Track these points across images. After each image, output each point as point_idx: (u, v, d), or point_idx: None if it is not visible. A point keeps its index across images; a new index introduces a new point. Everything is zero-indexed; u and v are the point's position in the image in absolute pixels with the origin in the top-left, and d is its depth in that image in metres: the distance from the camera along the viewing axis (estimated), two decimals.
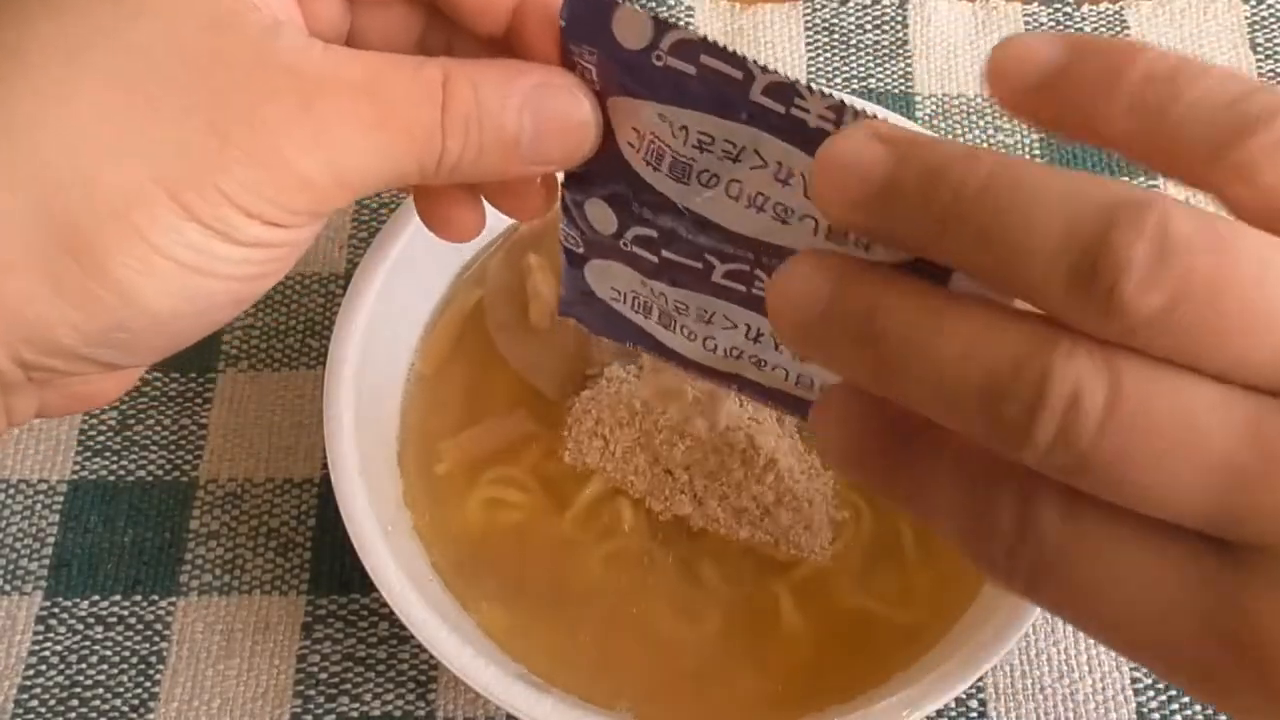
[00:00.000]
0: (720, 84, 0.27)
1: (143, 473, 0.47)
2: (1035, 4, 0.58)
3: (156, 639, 0.44)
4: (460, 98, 0.28)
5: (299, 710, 0.43)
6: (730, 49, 0.26)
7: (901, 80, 0.56)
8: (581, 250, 0.33)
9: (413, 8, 0.32)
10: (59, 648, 0.44)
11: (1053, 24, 0.57)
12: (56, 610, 0.45)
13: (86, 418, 0.48)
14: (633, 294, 0.34)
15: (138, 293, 0.26)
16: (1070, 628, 0.44)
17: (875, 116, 0.25)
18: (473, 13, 0.30)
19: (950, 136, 0.54)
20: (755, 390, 0.34)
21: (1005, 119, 0.55)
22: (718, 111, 0.27)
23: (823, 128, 0.26)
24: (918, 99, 0.55)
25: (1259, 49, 0.56)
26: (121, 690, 0.43)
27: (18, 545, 0.46)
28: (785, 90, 0.26)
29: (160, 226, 0.26)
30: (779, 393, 0.33)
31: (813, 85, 0.25)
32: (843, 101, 0.25)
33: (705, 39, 0.26)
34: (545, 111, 0.28)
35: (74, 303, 0.26)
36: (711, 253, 0.30)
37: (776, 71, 0.26)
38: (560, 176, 0.32)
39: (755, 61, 0.26)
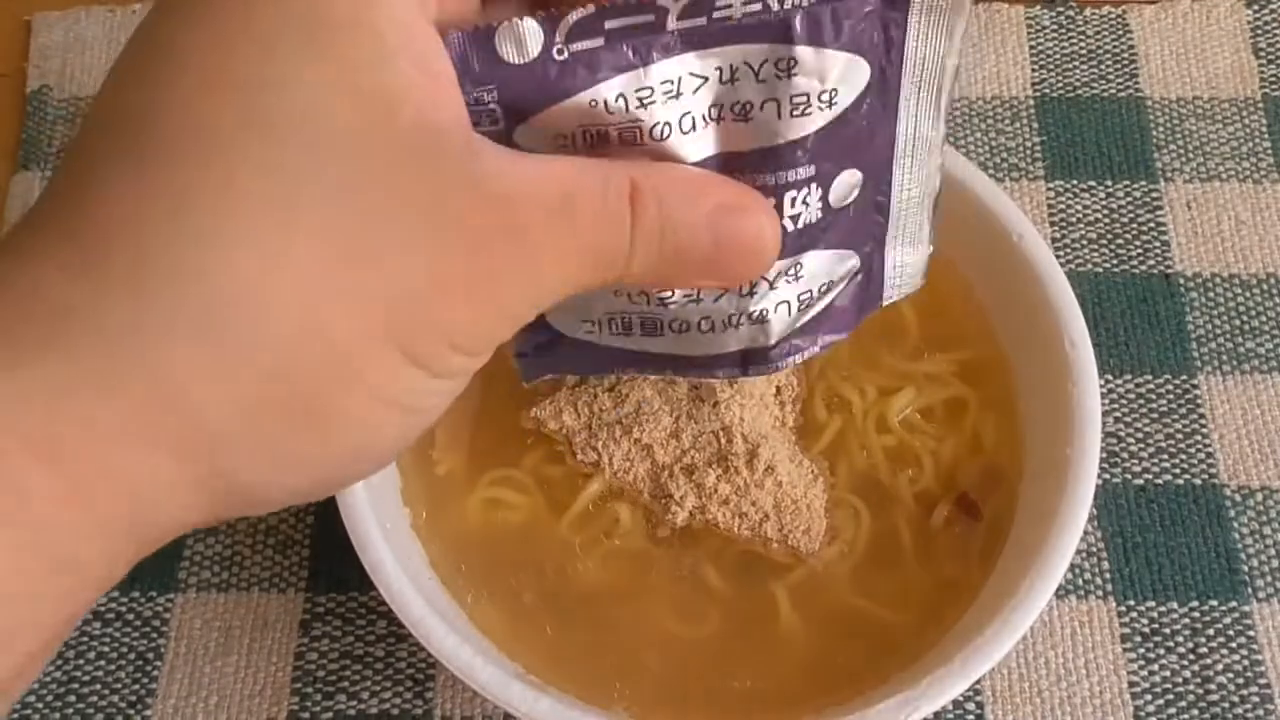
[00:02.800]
0: (636, 36, 0.26)
1: None
2: (1038, 7, 0.58)
3: (154, 635, 0.44)
4: (648, 217, 0.27)
5: (296, 708, 0.43)
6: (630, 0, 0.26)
7: None
8: None
9: None
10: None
11: (1055, 27, 0.57)
12: None
13: None
14: (608, 316, 0.33)
15: (366, 449, 0.26)
16: (1069, 632, 0.44)
17: None
18: None
19: (952, 139, 0.54)
20: (762, 357, 0.34)
21: (1007, 121, 0.55)
22: (643, 62, 0.27)
23: (750, 13, 0.26)
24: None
25: (1261, 54, 0.56)
26: (119, 686, 0.43)
27: None
28: (701, 3, 0.26)
29: (387, 376, 0.25)
30: (796, 331, 0.34)
31: None
32: None
33: (600, 6, 0.26)
34: (728, 234, 0.28)
35: (289, 470, 0.25)
36: None
37: None
38: None
39: None
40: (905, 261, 0.35)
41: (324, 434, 0.25)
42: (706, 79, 0.27)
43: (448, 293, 0.25)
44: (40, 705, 0.43)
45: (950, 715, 0.43)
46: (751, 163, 0.29)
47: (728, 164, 0.29)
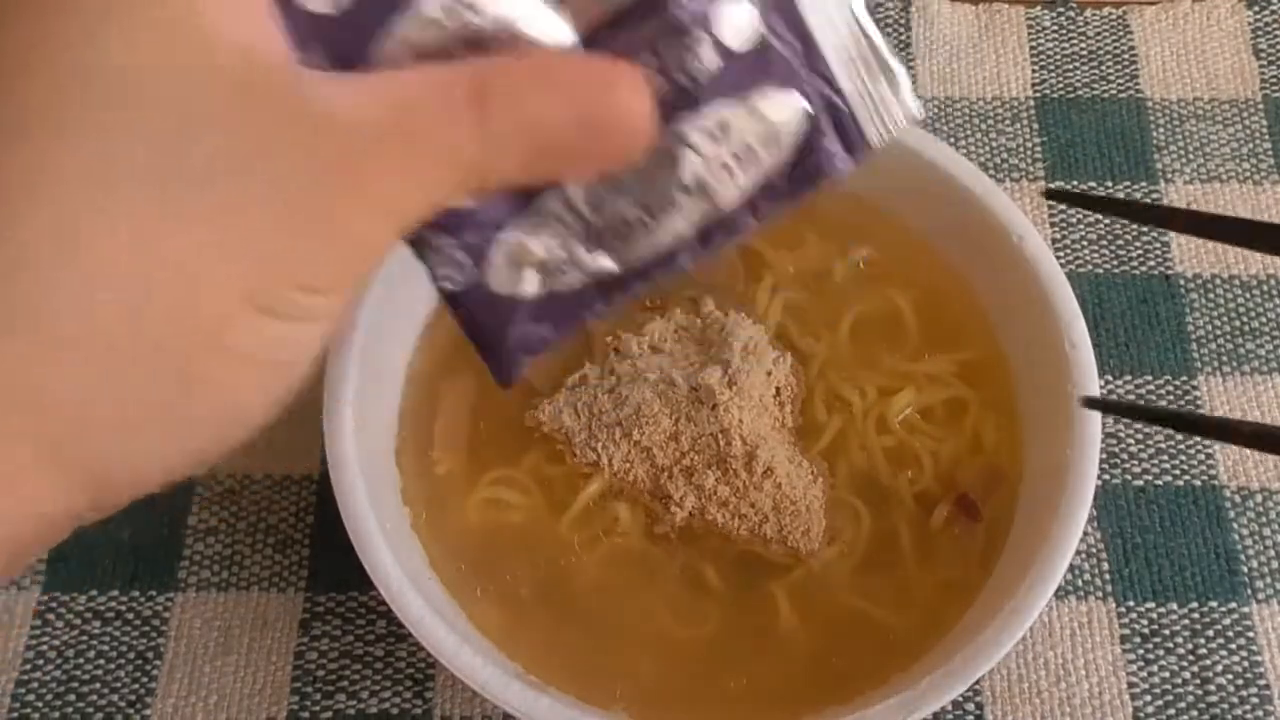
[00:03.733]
0: None
1: None
2: (1038, 8, 0.58)
3: (154, 634, 0.44)
4: (501, 114, 0.25)
5: (296, 707, 0.43)
6: None
7: None
8: (469, 268, 0.31)
9: None
10: (56, 642, 0.44)
11: (1055, 28, 0.57)
12: (54, 605, 0.45)
13: None
14: (546, 251, 0.31)
15: (231, 411, 0.25)
16: (1068, 633, 0.44)
17: None
18: None
19: (952, 140, 0.54)
20: (721, 227, 0.32)
21: (1008, 122, 0.55)
22: None
23: None
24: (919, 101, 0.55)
25: (1261, 55, 0.56)
26: (118, 685, 0.43)
27: None
28: None
29: (237, 330, 0.24)
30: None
31: None
32: None
33: None
34: (592, 113, 0.26)
35: (156, 445, 0.24)
36: None
37: None
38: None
39: None
40: (872, 89, 0.32)
41: (183, 403, 0.24)
42: None
43: (287, 231, 0.24)
44: (39, 704, 0.43)
45: (950, 715, 0.43)
46: (621, 27, 0.28)
47: (596, 38, 0.28)
